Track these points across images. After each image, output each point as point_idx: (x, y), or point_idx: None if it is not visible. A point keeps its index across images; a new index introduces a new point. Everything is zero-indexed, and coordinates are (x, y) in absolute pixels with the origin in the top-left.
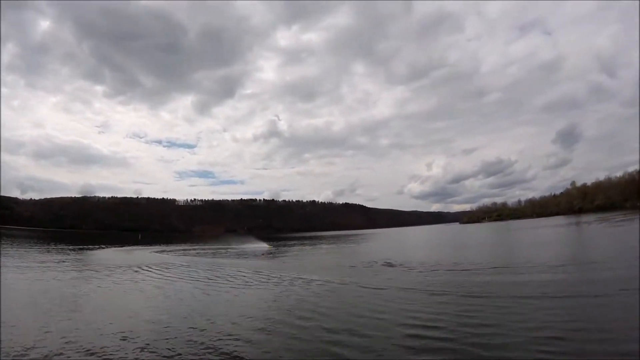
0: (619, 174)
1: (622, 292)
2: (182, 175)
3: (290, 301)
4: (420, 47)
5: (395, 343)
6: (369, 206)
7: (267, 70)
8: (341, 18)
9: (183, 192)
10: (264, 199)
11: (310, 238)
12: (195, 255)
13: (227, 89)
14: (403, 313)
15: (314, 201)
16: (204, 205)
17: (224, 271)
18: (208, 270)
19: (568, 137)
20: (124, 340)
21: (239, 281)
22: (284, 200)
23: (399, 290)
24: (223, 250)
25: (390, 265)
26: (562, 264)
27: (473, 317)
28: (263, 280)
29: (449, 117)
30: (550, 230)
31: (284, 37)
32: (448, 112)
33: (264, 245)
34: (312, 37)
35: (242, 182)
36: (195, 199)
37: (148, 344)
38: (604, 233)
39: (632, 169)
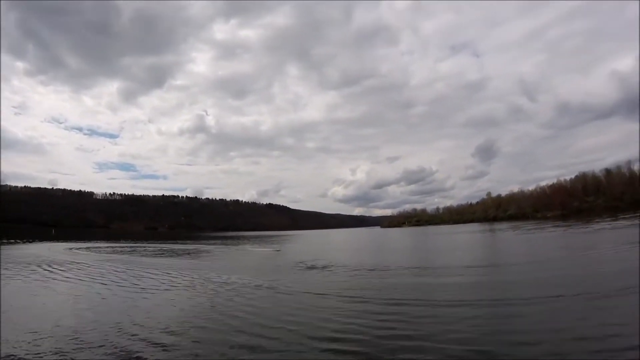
0: (531, 187)
1: (533, 299)
2: (101, 167)
3: (202, 303)
4: (355, 56)
5: (301, 354)
6: (293, 207)
7: (199, 62)
8: (281, 18)
9: (102, 185)
10: (186, 196)
11: (233, 238)
12: (114, 253)
13: (156, 78)
14: (316, 322)
15: (237, 200)
16: (124, 200)
17: (136, 272)
18: (124, 271)
19: (486, 152)
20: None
21: (152, 282)
22: (207, 198)
23: (317, 295)
24: (141, 248)
25: (313, 267)
26: (477, 265)
27: (391, 328)
28: (179, 281)
29: (376, 125)
30: (467, 236)
31: (221, 30)
32: (376, 120)
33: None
34: (250, 33)
35: (164, 178)
36: (114, 193)
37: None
38: (516, 239)
39: (543, 183)
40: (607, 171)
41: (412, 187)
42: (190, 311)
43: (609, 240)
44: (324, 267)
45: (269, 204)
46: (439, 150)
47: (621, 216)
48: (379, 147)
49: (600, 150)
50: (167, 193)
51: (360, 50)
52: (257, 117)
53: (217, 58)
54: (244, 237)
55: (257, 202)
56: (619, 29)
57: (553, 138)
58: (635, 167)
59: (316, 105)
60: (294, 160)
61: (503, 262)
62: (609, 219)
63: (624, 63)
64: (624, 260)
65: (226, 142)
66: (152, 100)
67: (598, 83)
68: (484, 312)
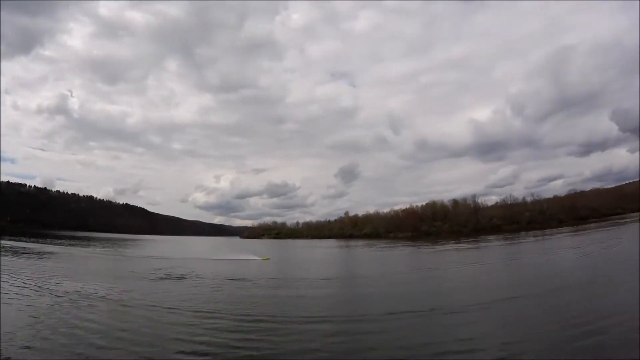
0: (386, 210)
1: (388, 315)
2: None
3: (30, 317)
4: (238, 63)
5: None
6: (151, 210)
7: (75, 36)
8: (174, 9)
9: None
10: (35, 186)
11: (83, 239)
12: None
13: (24, 43)
14: (159, 342)
15: (92, 197)
16: None
17: None
18: None
19: (348, 174)
20: None
21: None
22: (59, 191)
23: (167, 310)
24: None
25: (169, 276)
26: (334, 277)
27: (241, 348)
28: (10, 287)
29: (246, 136)
30: (324, 250)
31: (107, 6)
32: (247, 130)
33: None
34: (137, 17)
35: (12, 161)
36: None
37: None
38: (370, 255)
39: (397, 207)
40: (455, 201)
41: (275, 200)
42: (13, 327)
43: (452, 260)
44: (181, 277)
45: (126, 204)
46: (305, 168)
47: (464, 240)
48: (246, 157)
49: (450, 183)
50: (12, 180)
51: (244, 58)
52: (126, 108)
53: (96, 35)
54: (96, 239)
55: (114, 200)
56: (483, 86)
57: (410, 168)
58: (478, 200)
59: (189, 106)
60: (157, 160)
61: (358, 275)
62: (453, 241)
63: (481, 114)
64: (467, 277)
65: (88, 130)
66: (15, 67)
67: (456, 127)
68: (340, 329)
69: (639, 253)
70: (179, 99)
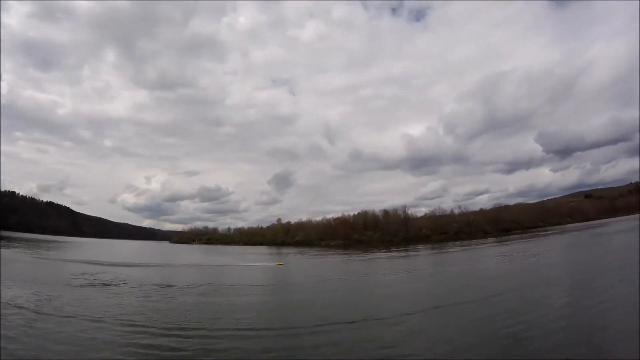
0: (319, 218)
1: (324, 326)
2: None
3: None
4: (179, 61)
5: None
6: (77, 210)
7: (13, 14)
8: None
9: None
10: None
11: (3, 239)
12: None
13: None
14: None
15: (13, 192)
16: None
17: None
18: None
19: (282, 181)
20: None
21: None
22: None
23: (93, 321)
24: None
25: (96, 282)
26: (266, 284)
27: None
28: None
29: (181, 136)
30: (256, 257)
31: None
32: (182, 131)
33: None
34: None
35: None
36: None
37: None
38: (303, 262)
39: (330, 216)
40: (386, 212)
41: (207, 204)
42: None
43: (383, 268)
44: (109, 282)
45: (50, 202)
46: (239, 172)
47: (394, 249)
48: (179, 159)
49: (382, 194)
50: None
51: (186, 56)
52: (57, 98)
53: (34, 15)
54: (16, 240)
55: (37, 197)
56: (419, 103)
57: (343, 178)
58: (409, 211)
59: (124, 101)
60: (86, 156)
61: (290, 283)
62: (383, 250)
63: (415, 130)
64: (397, 285)
65: (14, 118)
66: None
67: (390, 141)
68: (273, 343)
69: (557, 263)
70: (114, 93)
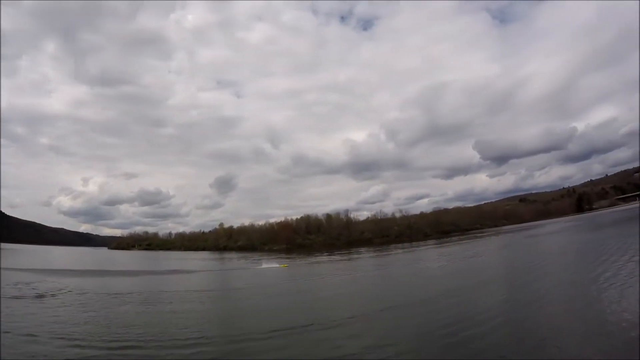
0: (261, 222)
1: (269, 333)
2: None
3: None
4: (122, 56)
5: None
6: (8, 214)
7: None
8: None
9: None
10: None
11: None
12: None
13: None
14: None
15: None
16: None
17: None
18: None
19: (224, 185)
20: None
21: None
22: None
23: (25, 337)
24: None
25: (32, 293)
26: (209, 290)
27: None
28: None
29: (120, 136)
30: (198, 263)
31: None
32: (122, 130)
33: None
34: None
35: None
36: None
37: None
38: (245, 267)
39: (272, 220)
40: (328, 215)
41: (146, 208)
42: None
43: (326, 271)
44: (45, 293)
45: None
46: (180, 175)
47: (337, 252)
48: (118, 160)
49: (324, 198)
50: None
51: (129, 52)
52: None
53: None
54: None
55: None
56: (362, 110)
57: (286, 182)
58: (351, 215)
59: (62, 96)
60: (20, 154)
61: (233, 288)
62: (326, 253)
63: (357, 135)
64: (341, 288)
65: None
66: None
67: (333, 146)
68: (220, 354)
69: (494, 263)
70: (52, 87)
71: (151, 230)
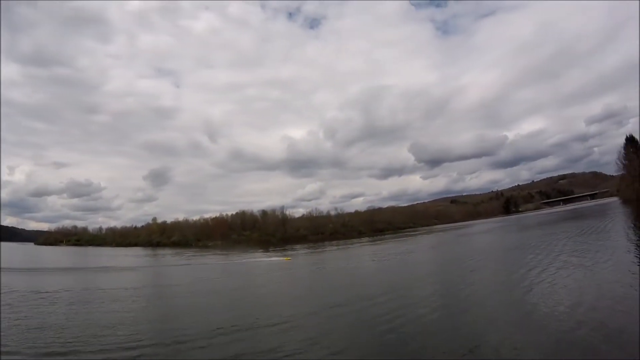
0: (196, 217)
1: (205, 334)
2: None
3: None
4: (59, 35)
5: None
6: None
7: None
8: None
9: None
10: None
11: None
12: None
13: None
14: None
15: None
16: None
17: None
18: None
19: (159, 178)
20: None
21: None
22: None
23: None
24: None
25: None
26: (143, 286)
27: None
28: None
29: (51, 122)
30: (131, 259)
31: None
32: (53, 115)
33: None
34: None
35: None
36: None
37: None
38: (177, 263)
39: (207, 215)
40: (264, 212)
41: (76, 201)
42: None
43: (260, 267)
44: None
45: None
46: (112, 167)
47: (272, 249)
48: (47, 148)
49: (260, 194)
50: None
51: (67, 31)
52: None
53: None
54: None
55: None
56: (302, 108)
57: (222, 177)
58: (286, 212)
59: None
60: None
61: (167, 285)
62: (261, 250)
63: (296, 133)
64: (278, 285)
65: None
66: None
67: (271, 142)
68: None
69: (427, 260)
70: None
71: (81, 224)
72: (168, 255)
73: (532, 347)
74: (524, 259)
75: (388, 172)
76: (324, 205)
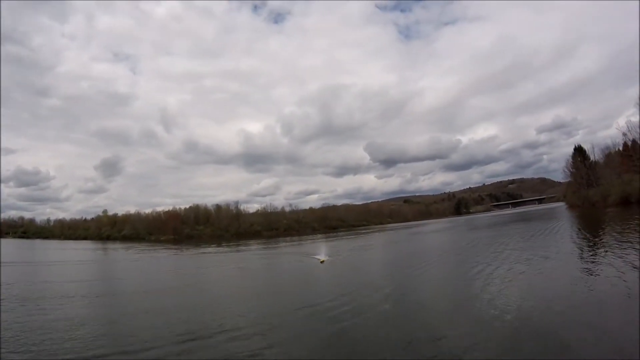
0: (148, 210)
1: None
2: None
3: None
4: (14, 12)
5: None
6: None
7: None
8: None
9: None
10: None
11: None
12: None
13: None
14: None
15: None
16: None
17: None
18: None
19: (110, 168)
20: None
21: None
22: None
23: None
24: None
25: None
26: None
27: None
28: None
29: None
30: (78, 254)
31: None
32: (2, 97)
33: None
34: None
35: None
36: None
37: None
38: (131, 258)
39: (159, 208)
40: (218, 206)
41: (23, 190)
42: None
43: (216, 261)
44: None
45: None
46: (61, 155)
47: (225, 244)
48: None
49: (214, 188)
50: None
51: (23, 8)
52: None
53: None
54: None
55: None
56: (260, 102)
57: (176, 169)
58: (241, 207)
59: None
60: None
61: (116, 278)
62: (214, 245)
63: (253, 127)
64: (234, 282)
65: None
66: None
67: (227, 135)
68: None
69: (379, 258)
70: None
71: (27, 215)
72: (119, 250)
73: (485, 344)
74: (475, 259)
75: (343, 171)
76: (279, 201)
